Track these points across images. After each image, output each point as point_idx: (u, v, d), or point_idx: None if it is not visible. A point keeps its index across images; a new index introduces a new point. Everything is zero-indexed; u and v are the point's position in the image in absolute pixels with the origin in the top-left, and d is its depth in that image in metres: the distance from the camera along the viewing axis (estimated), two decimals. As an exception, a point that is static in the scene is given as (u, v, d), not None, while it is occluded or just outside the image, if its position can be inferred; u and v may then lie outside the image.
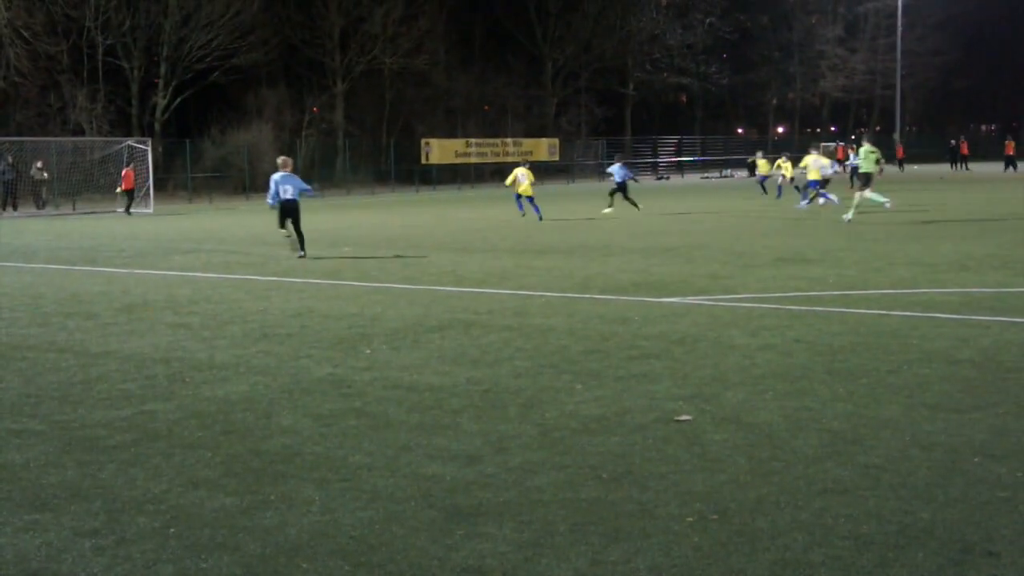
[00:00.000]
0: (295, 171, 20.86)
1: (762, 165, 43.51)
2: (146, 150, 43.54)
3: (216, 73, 56.00)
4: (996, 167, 67.07)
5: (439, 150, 63.35)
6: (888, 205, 27.48)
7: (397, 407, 7.98)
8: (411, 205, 42.57)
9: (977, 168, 69.05)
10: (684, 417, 7.48)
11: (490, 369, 9.31)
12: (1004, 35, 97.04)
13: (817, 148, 36.05)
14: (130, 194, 39.23)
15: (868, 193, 26.80)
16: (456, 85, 70.47)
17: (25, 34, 48.59)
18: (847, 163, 33.51)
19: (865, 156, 27.23)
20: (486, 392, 8.41)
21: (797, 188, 35.55)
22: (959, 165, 69.12)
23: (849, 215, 26.22)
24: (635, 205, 31.40)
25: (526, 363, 9.53)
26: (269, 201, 20.63)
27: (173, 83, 56.00)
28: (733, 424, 7.28)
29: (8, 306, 14.16)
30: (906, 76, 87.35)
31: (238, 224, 32.49)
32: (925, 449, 6.63)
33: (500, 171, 64.79)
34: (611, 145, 77.16)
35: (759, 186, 42.61)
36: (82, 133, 51.66)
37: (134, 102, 55.68)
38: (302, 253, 19.94)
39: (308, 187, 20.87)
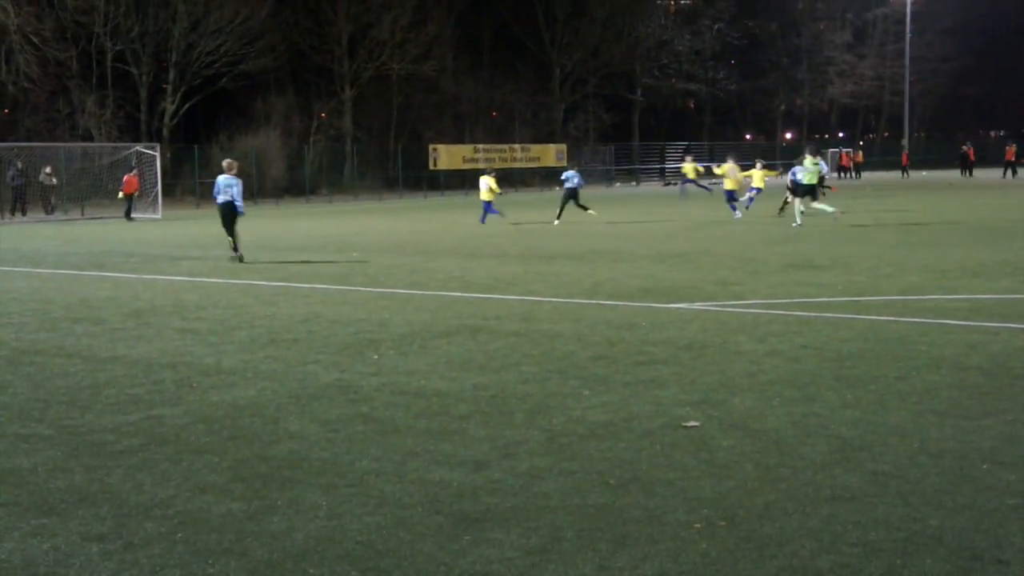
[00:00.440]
0: (240, 176, 21.30)
1: (688, 169, 42.85)
2: (154, 155, 43.65)
3: (224, 79, 56.15)
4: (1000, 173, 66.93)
5: (447, 156, 63.43)
6: (836, 215, 28.09)
7: (404, 413, 7.97)
8: (419, 211, 42.60)
9: (984, 174, 68.89)
10: (692, 423, 7.46)
11: (497, 375, 9.30)
12: (1013, 41, 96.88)
13: (734, 157, 35.59)
14: (130, 199, 39.16)
15: (816, 204, 27.95)
16: (464, 91, 70.56)
17: (35, 40, 48.76)
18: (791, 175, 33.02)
19: (807, 169, 27.90)
20: (493, 398, 8.40)
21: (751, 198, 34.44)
22: (967, 171, 69.03)
23: (798, 219, 27.44)
24: (585, 209, 30.91)
25: (533, 369, 9.52)
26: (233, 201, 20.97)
27: (182, 89, 56.14)
28: (741, 430, 7.27)
29: (17, 311, 14.19)
30: (915, 82, 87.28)
31: (245, 230, 32.47)
32: (934, 456, 6.60)
33: (508, 177, 65.00)
34: (619, 150, 77.27)
35: (683, 189, 42.12)
36: (91, 139, 51.80)
37: (143, 108, 55.81)
38: (235, 255, 20.60)
39: (241, 203, 21.14)
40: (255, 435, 7.44)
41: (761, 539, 5.27)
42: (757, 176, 33.87)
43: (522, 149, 66.96)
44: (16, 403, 8.59)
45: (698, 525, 5.48)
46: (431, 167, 62.42)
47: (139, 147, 45.55)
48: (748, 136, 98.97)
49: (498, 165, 65.35)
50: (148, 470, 6.66)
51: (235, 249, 20.56)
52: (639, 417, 7.68)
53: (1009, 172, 65.96)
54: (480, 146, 66.22)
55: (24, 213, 41.50)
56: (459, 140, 67.73)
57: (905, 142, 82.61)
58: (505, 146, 67.55)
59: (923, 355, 9.76)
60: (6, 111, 54.78)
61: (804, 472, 6.32)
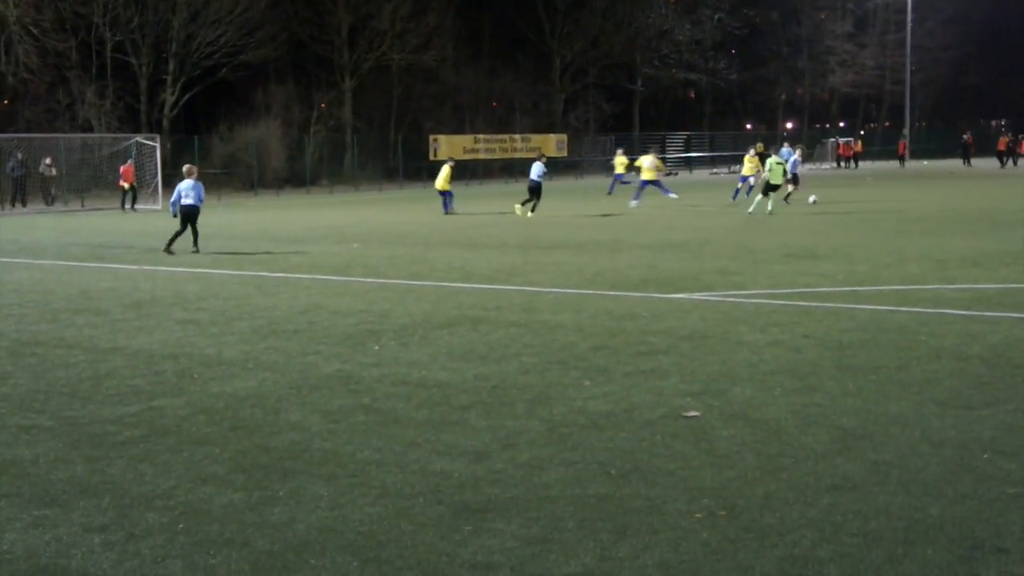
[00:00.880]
0: (200, 179, 21.48)
1: (619, 163, 42.18)
2: (155, 146, 43.60)
3: (224, 69, 56.04)
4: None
5: (447, 146, 63.34)
6: (770, 212, 28.18)
7: (405, 403, 7.98)
8: (419, 201, 42.51)
9: (984, 163, 68.80)
10: (692, 413, 7.47)
11: (498, 365, 9.31)
12: (1015, 30, 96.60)
13: (655, 151, 35.98)
14: (132, 189, 39.12)
15: (764, 199, 28.34)
16: (464, 81, 70.42)
17: (34, 31, 48.67)
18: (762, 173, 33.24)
19: (772, 168, 28.39)
20: (494, 388, 8.41)
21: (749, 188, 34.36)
22: (967, 161, 68.96)
23: (751, 208, 28.30)
24: (532, 210, 29.87)
25: (534, 359, 9.53)
26: (172, 210, 21.26)
27: (181, 80, 56.03)
28: (741, 420, 7.27)
29: (17, 302, 14.19)
30: (916, 71, 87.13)
31: (246, 220, 32.51)
32: (935, 445, 6.61)
33: (508, 167, 64.99)
34: (620, 140, 77.20)
35: (615, 184, 41.50)
36: (91, 130, 51.74)
37: (143, 98, 55.71)
38: (195, 248, 20.69)
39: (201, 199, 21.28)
40: (256, 426, 7.45)
41: (762, 529, 5.28)
42: (749, 164, 33.80)
43: (522, 139, 66.85)
44: (17, 394, 8.60)
45: (699, 515, 5.49)
46: (431, 157, 62.29)
47: (139, 138, 45.50)
48: (749, 126, 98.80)
49: (499, 156, 65.42)
50: (149, 461, 6.67)
51: (195, 243, 20.81)
52: (640, 407, 7.68)
53: (1010, 161, 65.87)
54: (480, 136, 66.14)
55: (24, 204, 41.47)
56: (459, 130, 67.62)
57: (906, 131, 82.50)
58: (505, 136, 67.44)
59: (924, 345, 9.77)
60: (6, 102, 54.73)
61: (805, 462, 6.33)
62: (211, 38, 54.85)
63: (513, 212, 30.37)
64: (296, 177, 56.69)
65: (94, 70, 53.99)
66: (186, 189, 20.88)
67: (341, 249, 21.14)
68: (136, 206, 39.03)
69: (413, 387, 8.51)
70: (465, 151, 64.03)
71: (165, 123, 55.79)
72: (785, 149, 33.47)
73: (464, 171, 62.56)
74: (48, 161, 42.87)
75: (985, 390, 7.99)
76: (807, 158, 60.35)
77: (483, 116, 71.83)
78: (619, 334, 10.69)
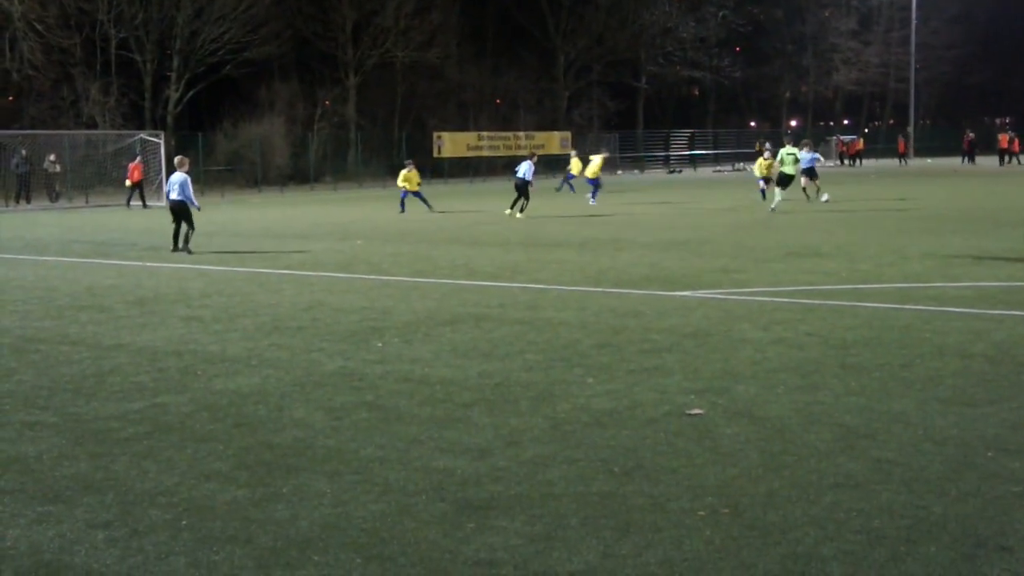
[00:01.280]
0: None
1: (574, 164, 40.62)
2: (159, 143, 43.62)
3: (228, 66, 56.06)
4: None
5: (451, 143, 63.35)
6: (774, 209, 27.81)
7: (409, 400, 7.99)
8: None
9: (988, 161, 68.72)
10: (696, 411, 7.47)
11: (502, 363, 9.31)
12: (1019, 29, 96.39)
13: (606, 148, 35.84)
14: (139, 186, 39.12)
15: (778, 193, 28.12)
16: (468, 78, 70.40)
17: (39, 27, 48.71)
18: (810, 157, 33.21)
19: (783, 158, 28.22)
20: (497, 386, 8.41)
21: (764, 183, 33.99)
22: (969, 159, 68.84)
23: (773, 205, 27.81)
24: (521, 209, 28.66)
25: (538, 357, 9.53)
26: (192, 202, 20.78)
27: (186, 76, 56.07)
28: (745, 418, 7.27)
29: (22, 299, 14.21)
30: (920, 69, 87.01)
31: (250, 217, 32.54)
32: (938, 444, 6.61)
33: (512, 164, 64.80)
34: (624, 138, 77.11)
35: (566, 185, 40.66)
36: (95, 126, 51.78)
37: (147, 95, 55.76)
38: (187, 248, 20.21)
39: (194, 199, 20.90)
40: (260, 423, 7.46)
41: (765, 527, 5.28)
42: (761, 165, 33.68)
43: (526, 136, 66.81)
44: (21, 391, 8.62)
45: (702, 513, 5.49)
46: (435, 155, 62.32)
47: (143, 135, 45.53)
48: (753, 123, 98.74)
49: (502, 153, 65.36)
50: (153, 458, 6.68)
51: (187, 241, 20.29)
52: (643, 405, 7.69)
53: (1012, 160, 65.77)
54: (484, 133, 66.12)
55: (28, 201, 41.53)
56: (463, 128, 67.59)
57: (910, 129, 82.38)
58: (509, 133, 67.42)
59: (927, 343, 9.76)
60: (10, 98, 54.76)
61: (808, 460, 6.33)
62: (215, 35, 54.88)
63: (507, 217, 28.87)
64: (300, 174, 56.72)
65: (98, 67, 54.04)
66: (173, 183, 20.61)
67: (345, 246, 21.15)
68: (134, 203, 38.90)
69: (416, 384, 8.52)
70: (469, 148, 64.03)
71: (169, 120, 55.82)
72: (805, 152, 33.02)
73: (467, 168, 62.62)
74: (52, 158, 42.92)
75: (989, 388, 7.99)
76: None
77: (487, 113, 71.80)
78: (622, 332, 10.69)
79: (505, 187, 50.20)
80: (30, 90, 52.19)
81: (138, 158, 40.63)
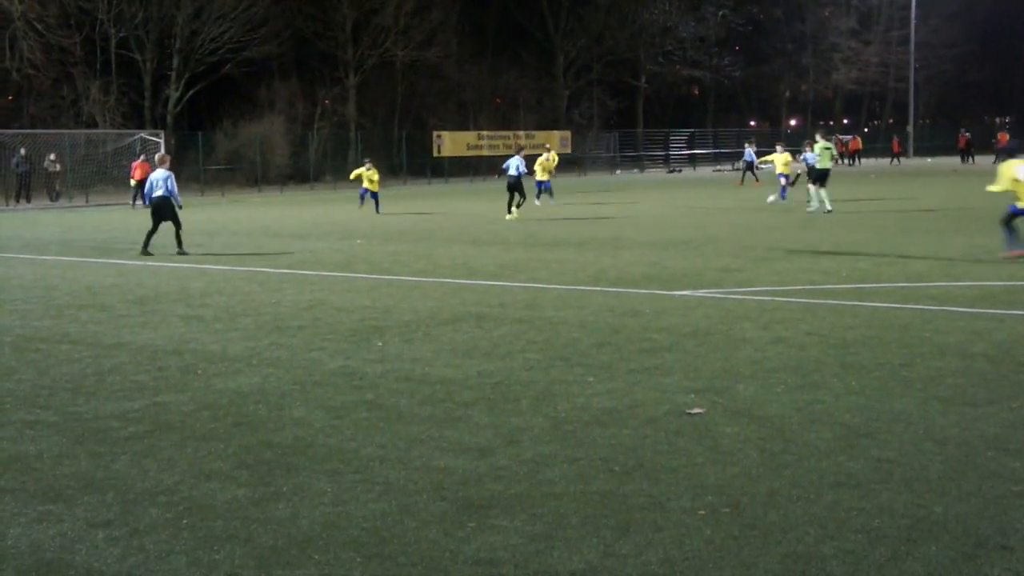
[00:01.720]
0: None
1: (540, 167, 36.54)
2: (159, 142, 43.62)
3: (228, 66, 56.05)
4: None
5: (451, 143, 63.36)
6: (830, 211, 26.74)
7: (409, 400, 7.99)
8: (423, 198, 42.58)
9: (987, 160, 68.69)
10: (696, 410, 7.47)
11: (502, 362, 9.31)
12: (1019, 27, 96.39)
13: (548, 149, 35.14)
14: (142, 185, 39.04)
15: (823, 193, 27.20)
16: (468, 78, 70.41)
17: (38, 26, 48.70)
18: (804, 161, 32.99)
19: (820, 152, 27.65)
20: (498, 385, 8.41)
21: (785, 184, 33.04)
22: (969, 158, 68.79)
23: (828, 206, 26.80)
24: (517, 207, 28.03)
25: (538, 356, 9.53)
26: (145, 201, 20.40)
27: (185, 76, 56.07)
28: (745, 417, 7.27)
29: (22, 298, 14.21)
30: (920, 68, 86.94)
31: (250, 216, 32.54)
32: (938, 443, 6.61)
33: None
34: (623, 137, 77.12)
35: (540, 190, 39.25)
36: (95, 125, 51.78)
37: (147, 94, 55.75)
38: (181, 250, 19.65)
39: (178, 196, 20.35)
40: (260, 422, 7.46)
41: (765, 526, 5.28)
42: (780, 161, 33.14)
43: (526, 136, 66.80)
44: (21, 390, 8.62)
45: (702, 512, 5.49)
46: (435, 154, 62.34)
47: (143, 134, 45.54)
48: (752, 123, 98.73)
49: (502, 152, 65.34)
50: (153, 456, 6.68)
51: (180, 243, 19.71)
52: (643, 404, 7.69)
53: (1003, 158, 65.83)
54: (484, 133, 66.12)
55: (28, 200, 41.54)
56: (463, 127, 67.60)
57: (910, 129, 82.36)
58: (509, 133, 67.41)
59: (928, 342, 9.76)
60: (10, 98, 54.75)
61: (808, 459, 6.33)
62: (215, 34, 54.89)
63: (508, 219, 27.68)
64: (300, 173, 56.76)
65: (98, 66, 54.05)
66: (157, 180, 19.87)
67: (345, 245, 21.15)
68: (137, 202, 38.84)
69: (416, 383, 8.52)
70: (468, 147, 64.05)
71: (169, 119, 55.82)
72: (809, 153, 32.95)
73: (467, 168, 62.64)
74: (52, 157, 42.93)
75: (990, 387, 7.99)
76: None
77: (487, 112, 71.79)
78: (622, 331, 10.69)
79: (505, 186, 50.17)
80: (30, 89, 52.19)
81: (141, 157, 40.61)
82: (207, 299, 13.73)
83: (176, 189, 20.28)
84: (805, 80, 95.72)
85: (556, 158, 35.71)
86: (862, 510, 5.46)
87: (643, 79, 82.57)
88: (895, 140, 76.12)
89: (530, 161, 31.27)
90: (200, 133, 53.83)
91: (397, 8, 62.00)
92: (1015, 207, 16.38)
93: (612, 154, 75.23)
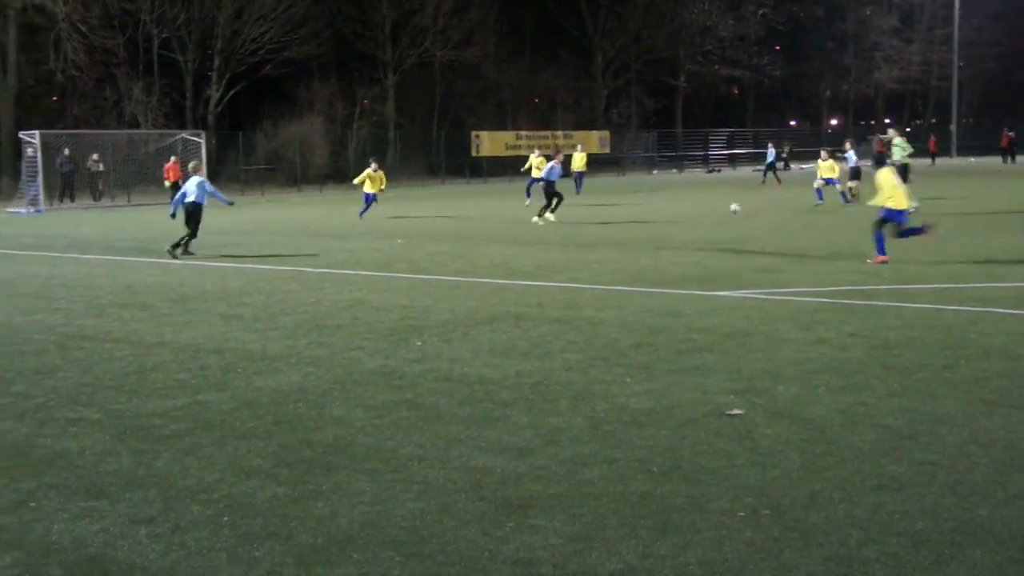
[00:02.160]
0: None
1: (535, 164, 35.94)
2: (200, 142, 43.97)
3: (268, 66, 56.41)
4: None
5: (489, 142, 63.42)
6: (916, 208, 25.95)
7: (448, 399, 7.99)
8: (461, 197, 42.62)
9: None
10: (736, 411, 7.42)
11: (540, 362, 9.30)
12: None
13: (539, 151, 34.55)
14: (175, 186, 39.26)
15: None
16: (506, 77, 70.45)
17: (82, 28, 49.21)
18: (846, 161, 32.66)
19: (902, 147, 27.18)
20: (536, 385, 8.40)
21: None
22: (1010, 158, 67.96)
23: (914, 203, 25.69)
24: (552, 209, 26.80)
25: (577, 356, 9.51)
26: (171, 209, 20.16)
27: (226, 76, 56.51)
28: (786, 419, 7.22)
29: (65, 296, 14.36)
30: (963, 67, 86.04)
31: (289, 216, 32.72)
32: (983, 446, 6.52)
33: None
34: (662, 137, 76.87)
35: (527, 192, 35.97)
36: (137, 126, 52.26)
37: (188, 95, 56.24)
38: (173, 253, 19.45)
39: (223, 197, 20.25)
40: (300, 420, 7.49)
41: (806, 528, 5.24)
42: (825, 168, 32.50)
43: (564, 136, 66.74)
44: (65, 387, 8.71)
45: (742, 514, 5.45)
46: (473, 154, 62.42)
47: (184, 134, 45.91)
48: (792, 122, 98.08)
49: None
50: (194, 454, 6.73)
51: (184, 244, 19.55)
52: (682, 405, 7.65)
53: (1009, 158, 65.49)
54: (522, 132, 66.11)
55: (72, 199, 41.99)
56: (501, 127, 67.63)
57: (953, 128, 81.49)
58: (547, 132, 67.36)
59: (972, 343, 9.65)
60: (55, 98, 55.39)
61: (850, 461, 6.27)
62: (256, 35, 55.28)
63: (539, 223, 26.15)
64: (339, 173, 56.96)
65: (141, 67, 54.57)
66: (190, 188, 19.78)
67: (384, 245, 21.21)
68: None
69: (455, 383, 8.53)
70: (507, 147, 64.05)
71: (210, 119, 56.28)
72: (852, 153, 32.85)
73: (506, 168, 62.66)
74: (95, 157, 43.38)
75: (1034, 390, 7.88)
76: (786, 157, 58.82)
77: (525, 112, 71.80)
78: (662, 331, 10.65)
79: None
80: (74, 90, 52.76)
81: (173, 158, 40.86)
82: (247, 298, 13.81)
83: (215, 190, 20.34)
84: (846, 79, 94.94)
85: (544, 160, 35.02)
86: (905, 513, 5.40)
87: (682, 78, 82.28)
88: (932, 139, 75.41)
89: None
90: (240, 133, 54.22)
91: (436, 8, 62.17)
92: None
93: (650, 154, 75.00)
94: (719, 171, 71.42)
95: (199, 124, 53.76)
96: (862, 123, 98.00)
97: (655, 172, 70.06)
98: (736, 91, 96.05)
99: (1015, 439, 6.64)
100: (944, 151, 76.98)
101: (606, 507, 5.59)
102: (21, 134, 40.48)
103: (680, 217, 27.55)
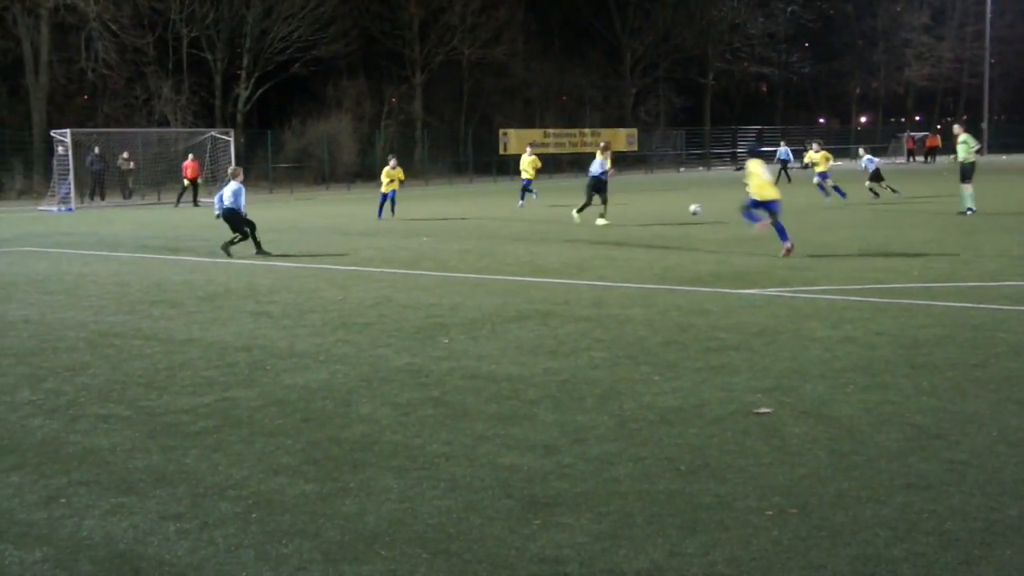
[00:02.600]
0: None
1: (527, 166, 33.99)
2: (228, 141, 44.21)
3: (297, 65, 56.67)
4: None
5: (517, 140, 63.39)
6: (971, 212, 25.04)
7: (475, 397, 8.01)
8: (489, 195, 42.65)
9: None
10: (763, 410, 7.40)
11: (568, 360, 9.30)
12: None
13: (531, 145, 33.68)
14: (194, 185, 39.39)
15: (967, 190, 25.21)
16: (534, 75, 70.46)
17: (113, 27, 49.59)
18: (863, 163, 32.60)
19: (967, 143, 25.65)
20: (564, 383, 8.40)
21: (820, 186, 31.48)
22: None
23: (969, 204, 25.03)
24: (580, 211, 25.41)
25: (604, 354, 9.50)
26: (216, 212, 20.01)
27: (255, 75, 56.80)
28: (813, 417, 7.19)
29: (96, 294, 14.48)
30: (995, 64, 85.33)
31: (318, 214, 32.84)
32: (1013, 445, 6.48)
33: (578, 161, 64.86)
34: (690, 135, 76.64)
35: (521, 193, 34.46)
36: (167, 124, 52.62)
37: (217, 93, 56.57)
38: (227, 250, 19.35)
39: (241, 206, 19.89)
40: (327, 418, 7.52)
41: (834, 527, 5.22)
42: (819, 159, 32.11)
43: (592, 133, 66.67)
44: (96, 384, 8.78)
45: (769, 512, 5.44)
46: (501, 152, 62.46)
47: (213, 132, 46.18)
48: (822, 120, 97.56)
49: (568, 150, 65.30)
50: (223, 451, 6.77)
51: (231, 243, 19.43)
52: (710, 403, 7.63)
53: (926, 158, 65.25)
54: (550, 130, 66.12)
55: (103, 197, 42.32)
56: (529, 125, 67.62)
57: (984, 126, 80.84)
58: (575, 130, 67.32)
59: (1002, 342, 9.57)
60: (85, 97, 55.83)
61: (878, 460, 6.24)
62: (284, 33, 55.53)
63: (583, 221, 25.24)
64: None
65: (170, 66, 54.91)
66: (225, 192, 19.77)
67: (411, 243, 21.26)
68: (198, 200, 39.24)
69: (482, 381, 8.54)
70: (535, 145, 64.07)
71: (239, 118, 56.59)
72: (866, 157, 32.87)
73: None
74: (126, 155, 43.71)
75: (1065, 389, 7.82)
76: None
77: (553, 110, 71.81)
78: (689, 329, 10.63)
79: (571, 184, 50.10)
80: (104, 89, 53.16)
81: (190, 156, 41.04)
82: (275, 296, 13.88)
83: (242, 201, 19.92)
84: (876, 76, 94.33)
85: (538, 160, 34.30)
86: (934, 512, 5.37)
87: (710, 76, 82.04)
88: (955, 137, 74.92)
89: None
90: (269, 132, 54.49)
91: (464, 6, 62.27)
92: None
93: (678, 152, 74.80)
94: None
95: (228, 122, 54.06)
96: (892, 120, 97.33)
97: (682, 170, 69.85)
98: (765, 89, 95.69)
99: (1046, 439, 6.59)
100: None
101: (633, 505, 5.59)
102: (52, 133, 40.84)
103: (708, 215, 27.44)
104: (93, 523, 5.54)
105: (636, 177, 58.72)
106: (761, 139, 79.28)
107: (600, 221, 24.68)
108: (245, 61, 56.49)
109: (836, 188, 30.78)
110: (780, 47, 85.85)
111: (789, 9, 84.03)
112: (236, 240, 19.61)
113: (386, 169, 29.38)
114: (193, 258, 19.35)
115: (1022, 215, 24.61)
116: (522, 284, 14.57)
